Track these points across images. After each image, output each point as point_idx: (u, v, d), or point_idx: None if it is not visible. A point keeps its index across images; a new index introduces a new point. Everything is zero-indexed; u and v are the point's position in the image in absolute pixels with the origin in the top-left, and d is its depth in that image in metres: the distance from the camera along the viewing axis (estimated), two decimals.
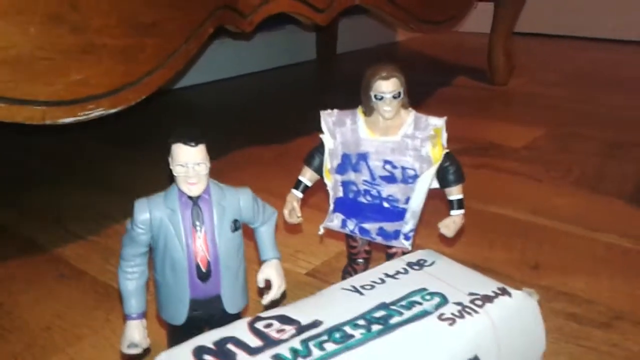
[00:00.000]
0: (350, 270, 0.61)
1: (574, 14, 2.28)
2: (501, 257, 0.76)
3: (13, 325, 0.64)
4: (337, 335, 0.42)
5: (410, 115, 0.54)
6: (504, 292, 0.47)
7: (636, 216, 0.86)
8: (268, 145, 1.22)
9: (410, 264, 0.51)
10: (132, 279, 0.47)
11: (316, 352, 0.40)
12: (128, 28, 0.72)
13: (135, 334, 0.47)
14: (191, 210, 0.46)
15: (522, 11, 1.65)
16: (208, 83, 1.78)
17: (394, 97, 0.52)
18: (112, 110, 0.73)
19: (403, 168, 0.54)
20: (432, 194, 0.56)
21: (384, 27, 2.31)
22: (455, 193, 0.54)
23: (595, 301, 0.66)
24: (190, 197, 0.46)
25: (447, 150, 0.53)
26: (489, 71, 1.67)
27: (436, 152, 0.53)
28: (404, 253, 0.56)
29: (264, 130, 1.34)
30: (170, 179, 0.46)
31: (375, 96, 0.52)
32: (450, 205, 0.55)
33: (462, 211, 0.54)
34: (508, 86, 1.65)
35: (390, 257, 0.58)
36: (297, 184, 0.58)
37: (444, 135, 0.53)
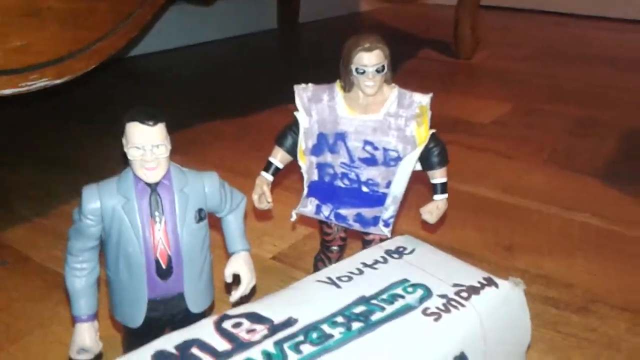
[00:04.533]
0: (323, 258, 0.57)
1: None
2: (474, 238, 0.74)
3: None
4: (314, 335, 0.39)
5: (393, 92, 0.50)
6: (490, 282, 0.45)
7: (607, 194, 0.86)
8: (230, 120, 1.17)
9: (389, 252, 0.49)
10: (80, 277, 0.42)
11: (292, 356, 0.37)
12: None
13: (86, 337, 0.42)
14: (149, 199, 0.41)
15: None
16: (161, 52, 1.70)
17: (377, 71, 0.47)
18: (58, 81, 0.67)
19: (385, 149, 0.49)
20: (413, 176, 0.52)
21: None
22: (439, 176, 0.50)
23: (572, 284, 0.65)
24: (148, 184, 0.41)
25: (433, 131, 0.49)
26: (454, 44, 1.66)
27: (421, 133, 0.48)
28: (381, 240, 0.52)
29: (225, 103, 1.29)
30: (124, 162, 0.41)
31: (356, 70, 0.47)
32: (434, 189, 0.51)
33: (445, 195, 0.51)
34: (473, 60, 1.65)
35: (367, 243, 0.54)
36: (268, 166, 0.53)
37: (429, 114, 0.49)
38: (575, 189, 0.87)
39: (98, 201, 0.40)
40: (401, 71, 1.53)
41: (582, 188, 0.88)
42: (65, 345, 0.54)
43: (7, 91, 0.63)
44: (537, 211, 0.81)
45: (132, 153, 0.39)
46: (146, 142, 0.39)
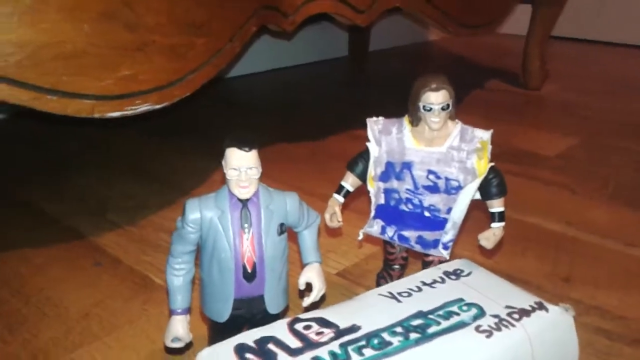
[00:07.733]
0: (385, 275, 0.62)
1: (613, 19, 2.24)
2: (533, 267, 0.76)
3: (53, 311, 0.66)
4: (376, 341, 0.43)
5: (456, 127, 0.55)
6: (541, 306, 0.48)
7: None
8: (300, 143, 1.22)
9: (447, 273, 0.52)
10: (179, 276, 0.49)
11: (355, 357, 0.41)
12: (179, 27, 0.73)
13: (180, 328, 0.49)
14: (240, 212, 0.47)
15: (561, 14, 1.62)
16: (242, 76, 1.79)
17: (443, 109, 0.53)
18: (158, 106, 0.75)
19: (447, 179, 0.54)
20: (472, 204, 0.57)
21: (417, 26, 2.30)
22: (497, 206, 0.55)
23: (627, 317, 0.65)
24: (240, 199, 0.47)
25: (492, 164, 0.54)
26: (522, 75, 1.65)
27: (481, 165, 0.53)
28: (440, 261, 0.56)
29: (296, 126, 1.35)
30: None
31: (423, 107, 0.53)
32: (492, 217, 0.55)
33: (502, 224, 0.55)
34: (541, 92, 1.63)
35: (426, 264, 0.59)
36: (339, 189, 0.59)
37: (489, 148, 0.54)
38: (638, 226, 0.87)
39: (198, 213, 0.47)
40: (469, 100, 1.53)
41: None
42: (151, 341, 0.61)
43: (116, 114, 0.72)
44: (598, 245, 0.81)
45: (230, 173, 0.46)
46: (242, 165, 0.45)
